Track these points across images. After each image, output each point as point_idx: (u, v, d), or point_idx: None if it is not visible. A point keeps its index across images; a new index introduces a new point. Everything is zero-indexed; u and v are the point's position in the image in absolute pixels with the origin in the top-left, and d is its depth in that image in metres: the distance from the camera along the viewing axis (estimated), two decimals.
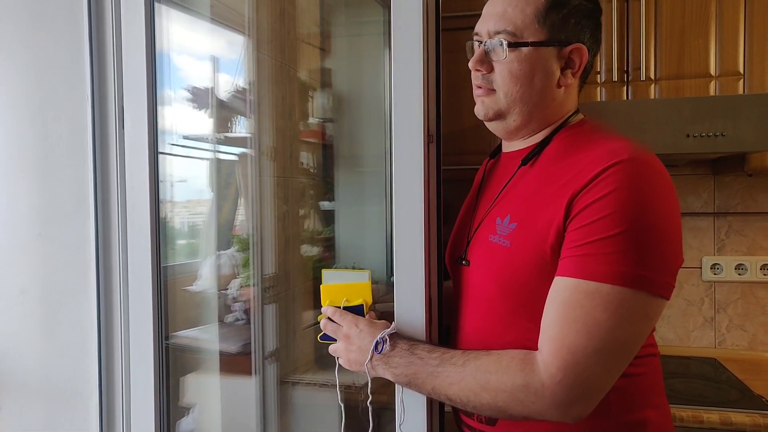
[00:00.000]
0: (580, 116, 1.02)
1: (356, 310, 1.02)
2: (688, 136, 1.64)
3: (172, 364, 1.56)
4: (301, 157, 1.76)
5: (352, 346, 0.98)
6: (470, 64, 0.98)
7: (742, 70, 1.82)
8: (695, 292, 2.17)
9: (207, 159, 1.62)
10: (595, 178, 0.84)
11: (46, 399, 1.44)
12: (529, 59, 0.94)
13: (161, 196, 1.39)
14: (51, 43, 1.43)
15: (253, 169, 1.57)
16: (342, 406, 1.05)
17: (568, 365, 0.80)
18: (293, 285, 1.60)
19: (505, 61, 0.95)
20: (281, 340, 1.55)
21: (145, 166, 1.33)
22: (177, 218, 1.66)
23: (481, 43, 0.97)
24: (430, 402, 1.01)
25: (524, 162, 0.99)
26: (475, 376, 0.86)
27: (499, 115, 1.00)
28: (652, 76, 1.87)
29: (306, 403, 1.45)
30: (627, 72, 1.89)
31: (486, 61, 0.97)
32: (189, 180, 1.63)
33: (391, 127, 1.01)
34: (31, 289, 1.44)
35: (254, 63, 1.59)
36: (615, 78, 1.88)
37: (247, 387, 1.52)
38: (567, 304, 0.82)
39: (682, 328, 2.18)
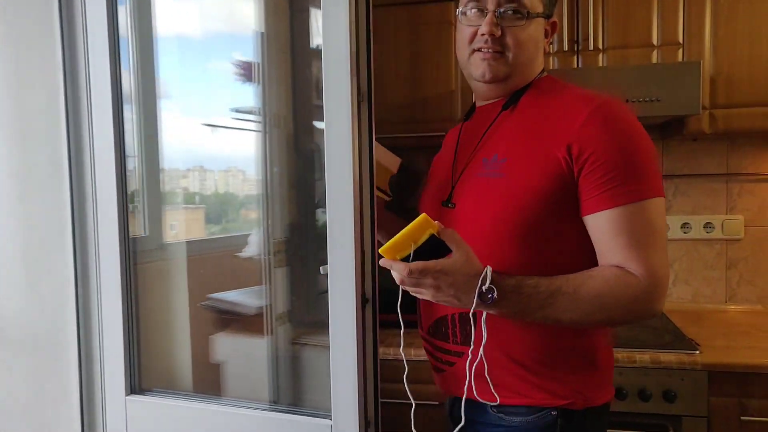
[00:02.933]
0: (545, 74, 1.10)
1: (430, 245, 0.87)
2: (627, 101, 1.59)
3: (206, 323, 1.56)
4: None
5: (445, 293, 0.89)
6: (486, 29, 1.00)
7: (681, 40, 1.76)
8: None
9: (255, 131, 1.57)
10: (587, 125, 0.93)
11: (30, 350, 1.42)
12: (534, 28, 1.03)
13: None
14: (24, 17, 1.36)
15: (264, 138, 1.53)
16: (405, 362, 1.03)
17: (655, 272, 0.92)
18: (306, 249, 1.56)
19: (519, 27, 1.01)
20: (292, 302, 1.53)
21: (110, 132, 1.28)
22: (234, 190, 1.67)
23: (484, 10, 1.01)
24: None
25: (505, 107, 1.05)
26: (590, 301, 0.92)
27: (506, 76, 1.04)
28: (600, 46, 1.81)
29: (315, 364, 1.43)
30: (577, 42, 1.82)
31: (498, 26, 1.01)
32: (241, 153, 1.60)
33: None
34: (13, 248, 1.41)
35: (264, 34, 1.53)
36: (566, 48, 1.82)
37: (261, 347, 1.50)
38: (632, 226, 0.92)
39: None
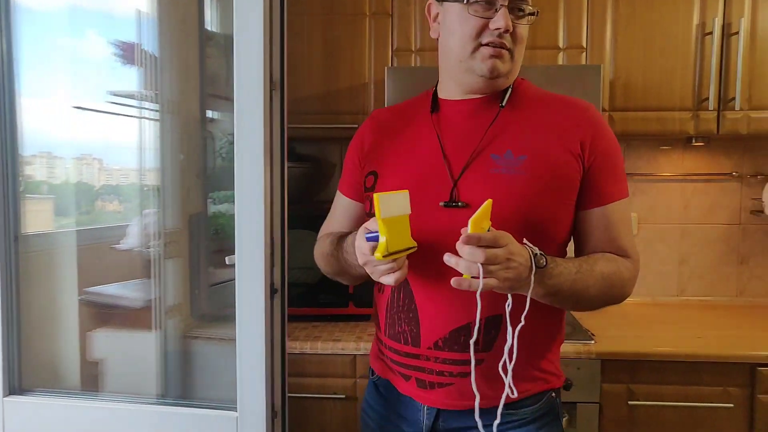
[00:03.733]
0: None
1: None
2: None
3: (91, 318, 1.50)
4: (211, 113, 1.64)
5: (513, 264, 0.89)
6: (503, 23, 0.98)
7: (584, 44, 1.92)
8: None
9: (136, 117, 1.50)
10: (592, 125, 1.05)
11: None
12: (528, 26, 1.06)
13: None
14: None
15: (159, 126, 1.48)
16: (475, 332, 0.95)
17: (637, 258, 1.11)
18: (199, 240, 1.53)
19: (523, 26, 1.03)
20: (184, 295, 1.50)
21: None
22: (110, 179, 1.57)
23: (494, 4, 1.00)
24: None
25: (503, 105, 1.08)
26: (603, 277, 1.03)
27: (506, 73, 1.05)
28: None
29: (209, 357, 1.42)
30: None
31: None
32: (123, 140, 1.52)
33: None
34: None
35: (157, 17, 1.48)
36: None
37: (150, 341, 1.47)
38: (622, 220, 1.08)
39: None
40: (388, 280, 0.95)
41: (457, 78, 1.08)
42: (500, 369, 0.94)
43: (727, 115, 1.90)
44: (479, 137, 1.06)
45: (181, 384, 1.39)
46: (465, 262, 0.87)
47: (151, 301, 1.45)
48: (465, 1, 1.01)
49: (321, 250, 1.21)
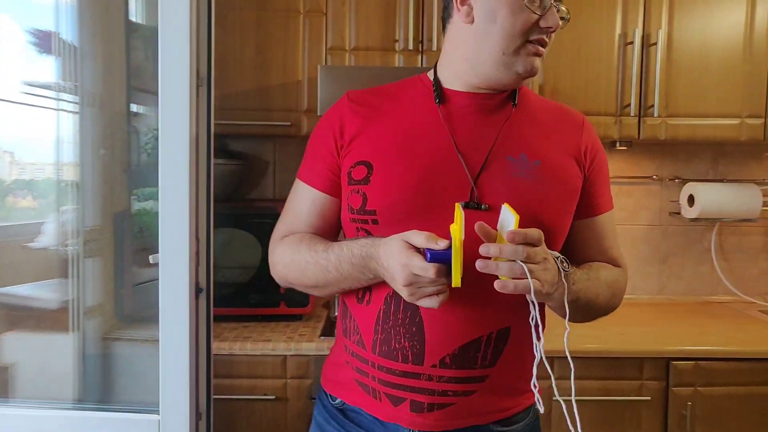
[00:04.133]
0: None
1: None
2: None
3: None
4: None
5: (548, 264, 0.88)
6: (555, 22, 0.96)
7: None
8: None
9: (53, 109, 1.43)
10: (590, 135, 1.08)
11: None
12: None
13: None
14: None
15: (78, 119, 1.42)
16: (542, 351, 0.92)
17: (627, 269, 1.13)
18: (122, 238, 1.48)
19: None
20: (106, 295, 1.46)
21: None
22: (23, 174, 1.49)
23: (546, 5, 0.96)
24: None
25: (515, 104, 1.05)
26: (608, 285, 1.05)
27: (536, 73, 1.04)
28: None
29: (131, 359, 1.38)
30: (422, 42, 1.98)
31: None
32: (39, 133, 1.44)
33: None
34: None
35: (76, 4, 1.42)
36: (411, 47, 1.97)
37: (66, 344, 1.41)
38: (612, 230, 1.12)
39: None
40: (431, 303, 0.88)
41: (485, 70, 1.00)
42: (532, 385, 0.91)
43: (647, 121, 2.02)
44: (493, 136, 1.01)
45: (100, 388, 1.35)
46: (506, 263, 0.83)
47: (69, 301, 1.40)
48: None
49: (294, 257, 1.05)
